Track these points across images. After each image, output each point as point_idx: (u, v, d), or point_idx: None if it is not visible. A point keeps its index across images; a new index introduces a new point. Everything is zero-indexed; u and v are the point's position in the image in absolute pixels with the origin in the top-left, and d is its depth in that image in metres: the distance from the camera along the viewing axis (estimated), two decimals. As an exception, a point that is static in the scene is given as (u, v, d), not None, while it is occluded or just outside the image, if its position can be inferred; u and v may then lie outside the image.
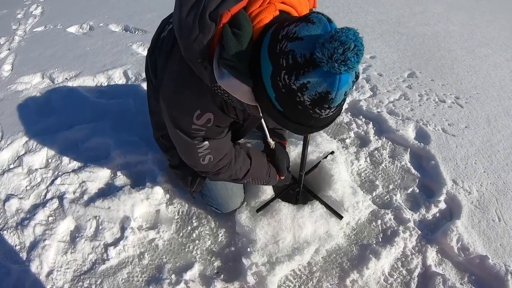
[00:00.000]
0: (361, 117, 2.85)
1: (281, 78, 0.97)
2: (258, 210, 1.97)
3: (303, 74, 0.93)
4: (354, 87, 3.15)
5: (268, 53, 1.00)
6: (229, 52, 1.06)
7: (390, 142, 2.62)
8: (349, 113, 2.91)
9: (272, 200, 2.01)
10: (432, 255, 1.94)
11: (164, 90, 1.41)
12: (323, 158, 2.23)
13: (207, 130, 1.41)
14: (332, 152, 2.27)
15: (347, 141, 2.62)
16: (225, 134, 1.55)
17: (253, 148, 1.86)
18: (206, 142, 1.46)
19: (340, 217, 1.98)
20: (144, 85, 3.16)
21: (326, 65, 0.88)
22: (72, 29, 4.51)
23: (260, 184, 1.94)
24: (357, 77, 1.00)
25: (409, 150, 2.55)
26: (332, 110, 1.01)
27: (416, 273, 1.86)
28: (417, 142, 2.58)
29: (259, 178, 1.83)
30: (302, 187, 2.04)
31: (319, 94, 0.95)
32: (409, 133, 2.67)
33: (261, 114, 1.29)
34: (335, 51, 0.85)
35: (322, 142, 2.39)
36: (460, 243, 1.94)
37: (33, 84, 3.32)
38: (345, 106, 2.97)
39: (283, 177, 1.98)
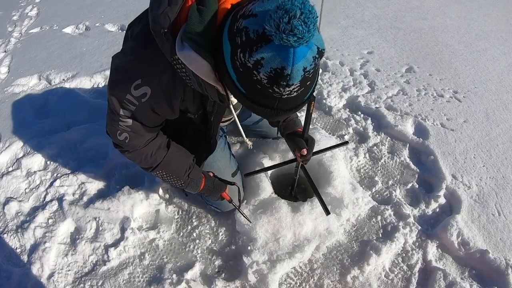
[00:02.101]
0: (360, 113, 2.85)
1: (238, 57, 0.95)
2: (246, 175, 1.97)
3: (256, 50, 0.91)
4: (354, 83, 3.15)
5: (227, 34, 0.99)
6: (190, 26, 1.05)
7: (389, 138, 2.62)
8: (348, 109, 2.91)
9: (263, 170, 2.00)
10: (432, 250, 1.94)
11: (119, 53, 1.37)
12: (335, 147, 2.14)
13: (139, 107, 1.33)
14: (347, 142, 2.18)
15: (346, 137, 2.62)
16: (152, 125, 1.49)
17: (178, 144, 1.72)
18: (130, 121, 1.40)
19: (327, 213, 1.86)
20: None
21: (276, 37, 0.86)
22: (68, 30, 4.49)
23: (178, 186, 1.76)
24: (320, 53, 0.96)
25: (408, 145, 2.55)
26: (293, 88, 0.97)
27: (416, 269, 1.87)
28: (416, 137, 2.58)
29: (175, 175, 1.69)
30: (301, 169, 1.97)
31: (274, 70, 0.92)
32: (408, 128, 2.67)
33: (219, 97, 1.26)
34: (281, 21, 0.83)
35: (321, 138, 2.38)
36: (460, 237, 1.94)
37: (30, 86, 3.31)
38: (344, 102, 2.98)
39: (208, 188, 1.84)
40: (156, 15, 1.14)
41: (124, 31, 4.22)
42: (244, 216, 1.92)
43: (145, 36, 1.25)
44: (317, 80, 1.09)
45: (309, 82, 1.01)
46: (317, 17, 0.87)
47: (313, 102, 1.49)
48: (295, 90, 0.98)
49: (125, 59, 1.32)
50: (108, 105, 1.41)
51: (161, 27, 1.12)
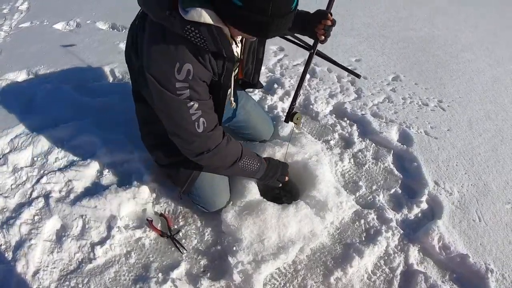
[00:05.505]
0: (346, 119, 2.91)
1: None
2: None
3: None
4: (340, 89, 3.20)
5: None
6: None
7: (373, 144, 2.68)
8: (334, 115, 2.95)
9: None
10: (414, 253, 1.99)
11: (145, 56, 1.47)
12: (348, 71, 2.10)
13: (190, 85, 1.45)
14: (359, 76, 2.13)
15: (332, 142, 2.66)
16: (208, 97, 1.59)
17: None
18: (195, 103, 1.50)
19: (358, 76, 1.99)
20: (130, 83, 3.16)
21: None
22: (59, 26, 4.46)
23: (251, 173, 1.91)
24: None
25: (392, 152, 2.61)
26: None
27: (398, 271, 1.90)
28: (400, 144, 2.64)
29: (250, 163, 1.85)
30: (316, 53, 1.91)
31: None
32: (393, 135, 2.73)
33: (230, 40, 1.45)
34: None
35: (307, 143, 2.42)
36: (441, 242, 1.99)
37: (19, 81, 3.27)
38: (330, 108, 3.03)
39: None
40: (154, 6, 1.36)
41: (115, 30, 4.28)
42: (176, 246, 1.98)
43: (156, 32, 1.41)
44: None
45: None
46: None
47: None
48: None
49: (154, 61, 1.44)
50: (168, 110, 1.53)
51: (165, 12, 1.31)
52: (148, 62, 1.45)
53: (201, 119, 1.54)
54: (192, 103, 1.49)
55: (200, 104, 1.52)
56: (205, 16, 1.28)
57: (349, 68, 2.02)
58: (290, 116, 1.97)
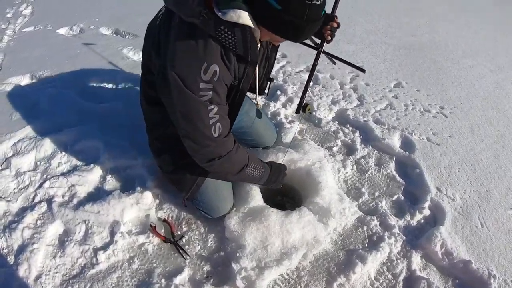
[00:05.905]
0: (348, 125, 2.91)
1: None
2: None
3: None
4: (343, 97, 3.22)
5: None
6: None
7: (376, 151, 2.68)
8: (337, 122, 2.96)
9: None
10: (416, 259, 1.99)
11: (169, 55, 1.45)
12: (353, 66, 2.19)
13: (214, 87, 1.46)
14: (364, 71, 2.21)
15: (334, 149, 2.67)
16: (226, 102, 1.60)
17: None
18: (214, 106, 1.50)
19: (363, 70, 2.14)
20: (134, 89, 3.17)
21: None
22: (62, 31, 4.49)
23: (255, 179, 1.91)
24: None
25: (394, 158, 2.61)
26: None
27: (401, 277, 1.90)
28: (402, 150, 2.65)
29: (259, 165, 1.87)
30: (323, 52, 2.10)
31: None
32: (395, 141, 2.73)
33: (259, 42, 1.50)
34: None
35: (310, 149, 2.42)
36: (444, 248, 2.00)
37: (22, 85, 3.28)
38: (333, 114, 3.04)
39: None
40: (188, 6, 1.35)
41: (118, 36, 4.30)
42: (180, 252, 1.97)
43: (185, 31, 1.41)
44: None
45: None
46: None
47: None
48: None
49: (180, 59, 1.43)
50: (188, 111, 1.50)
51: (199, 11, 1.33)
52: (173, 61, 1.43)
53: (218, 124, 1.54)
54: (212, 106, 1.49)
55: (219, 108, 1.52)
56: (244, 18, 1.32)
57: (353, 73, 2.06)
58: (302, 107, 2.09)
